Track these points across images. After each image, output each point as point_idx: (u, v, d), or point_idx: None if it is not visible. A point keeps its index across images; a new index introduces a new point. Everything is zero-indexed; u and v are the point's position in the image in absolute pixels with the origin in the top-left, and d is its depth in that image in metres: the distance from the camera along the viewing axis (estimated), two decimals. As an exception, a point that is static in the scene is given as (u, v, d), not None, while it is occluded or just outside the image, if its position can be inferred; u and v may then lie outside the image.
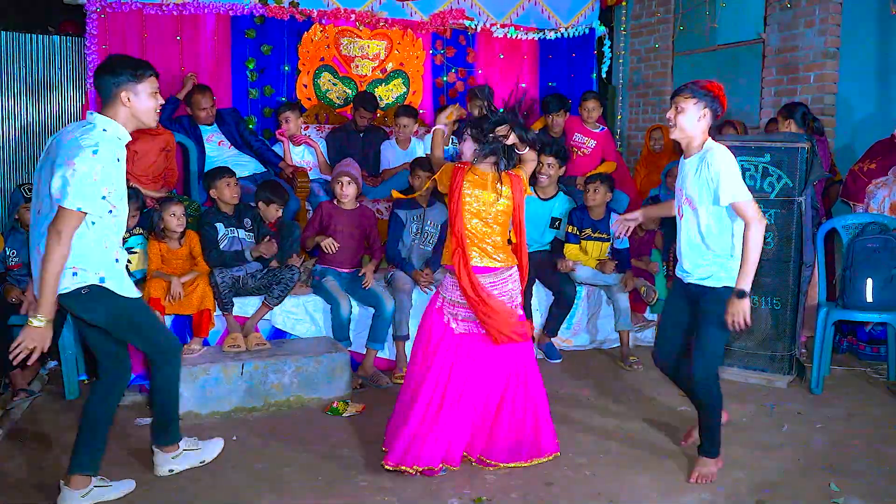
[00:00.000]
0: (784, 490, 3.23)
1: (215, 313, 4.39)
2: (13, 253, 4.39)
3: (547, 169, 5.18)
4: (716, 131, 6.04)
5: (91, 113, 2.88)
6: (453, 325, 3.40)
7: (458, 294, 3.37)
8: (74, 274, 2.81)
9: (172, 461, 3.29)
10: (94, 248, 2.84)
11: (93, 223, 2.80)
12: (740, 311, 3.07)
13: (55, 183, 2.71)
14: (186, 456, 3.32)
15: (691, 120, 3.13)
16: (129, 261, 4.55)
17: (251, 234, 4.65)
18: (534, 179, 5.30)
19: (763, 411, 4.17)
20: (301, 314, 4.74)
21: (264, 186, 4.84)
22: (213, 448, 3.43)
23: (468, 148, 3.38)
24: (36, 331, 2.72)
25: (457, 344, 3.37)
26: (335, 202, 4.92)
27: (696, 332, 3.29)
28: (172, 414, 3.29)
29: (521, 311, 3.43)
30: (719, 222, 3.18)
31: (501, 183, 3.33)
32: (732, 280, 3.13)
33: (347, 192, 4.84)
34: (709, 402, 3.27)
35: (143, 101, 2.90)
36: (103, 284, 2.87)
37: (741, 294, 3.07)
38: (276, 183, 5.03)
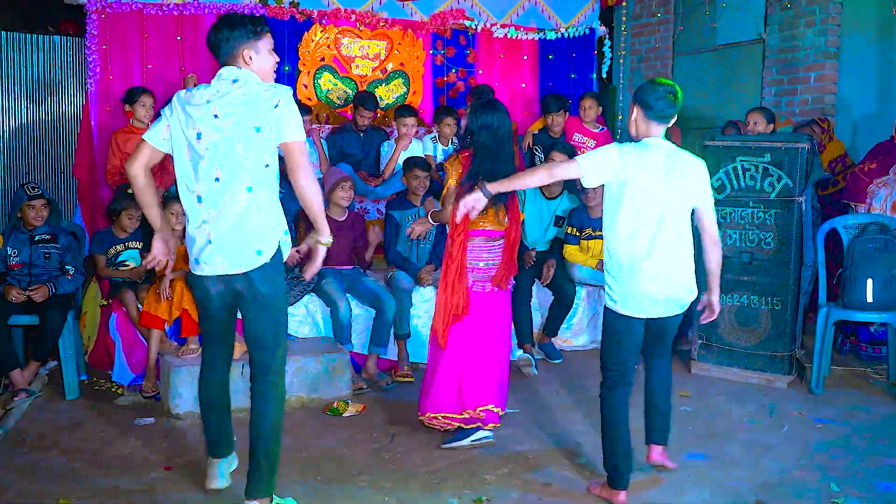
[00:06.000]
0: (784, 490, 3.23)
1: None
2: (14, 252, 4.35)
3: None
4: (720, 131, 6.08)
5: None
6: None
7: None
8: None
9: None
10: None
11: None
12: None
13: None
14: None
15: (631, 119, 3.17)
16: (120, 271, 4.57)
17: None
18: None
19: (763, 411, 4.17)
20: (302, 315, 4.74)
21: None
22: None
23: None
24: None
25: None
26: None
27: None
28: None
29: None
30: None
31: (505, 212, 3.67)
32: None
33: (350, 194, 4.89)
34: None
35: (264, 58, 2.75)
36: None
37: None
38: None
